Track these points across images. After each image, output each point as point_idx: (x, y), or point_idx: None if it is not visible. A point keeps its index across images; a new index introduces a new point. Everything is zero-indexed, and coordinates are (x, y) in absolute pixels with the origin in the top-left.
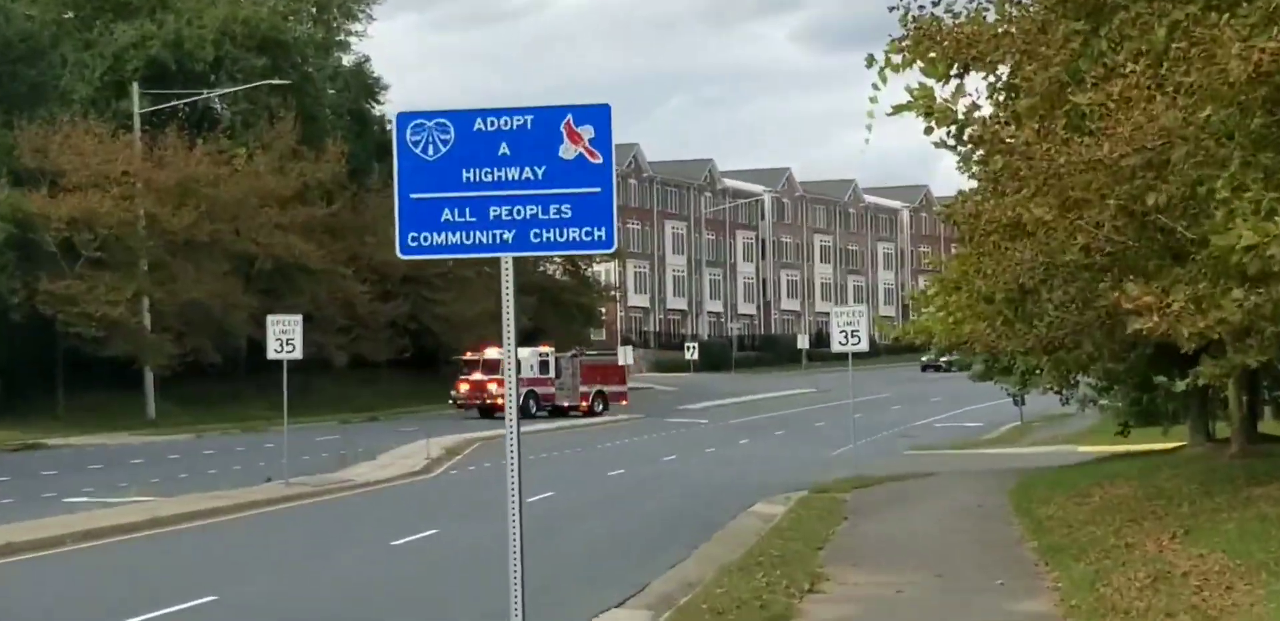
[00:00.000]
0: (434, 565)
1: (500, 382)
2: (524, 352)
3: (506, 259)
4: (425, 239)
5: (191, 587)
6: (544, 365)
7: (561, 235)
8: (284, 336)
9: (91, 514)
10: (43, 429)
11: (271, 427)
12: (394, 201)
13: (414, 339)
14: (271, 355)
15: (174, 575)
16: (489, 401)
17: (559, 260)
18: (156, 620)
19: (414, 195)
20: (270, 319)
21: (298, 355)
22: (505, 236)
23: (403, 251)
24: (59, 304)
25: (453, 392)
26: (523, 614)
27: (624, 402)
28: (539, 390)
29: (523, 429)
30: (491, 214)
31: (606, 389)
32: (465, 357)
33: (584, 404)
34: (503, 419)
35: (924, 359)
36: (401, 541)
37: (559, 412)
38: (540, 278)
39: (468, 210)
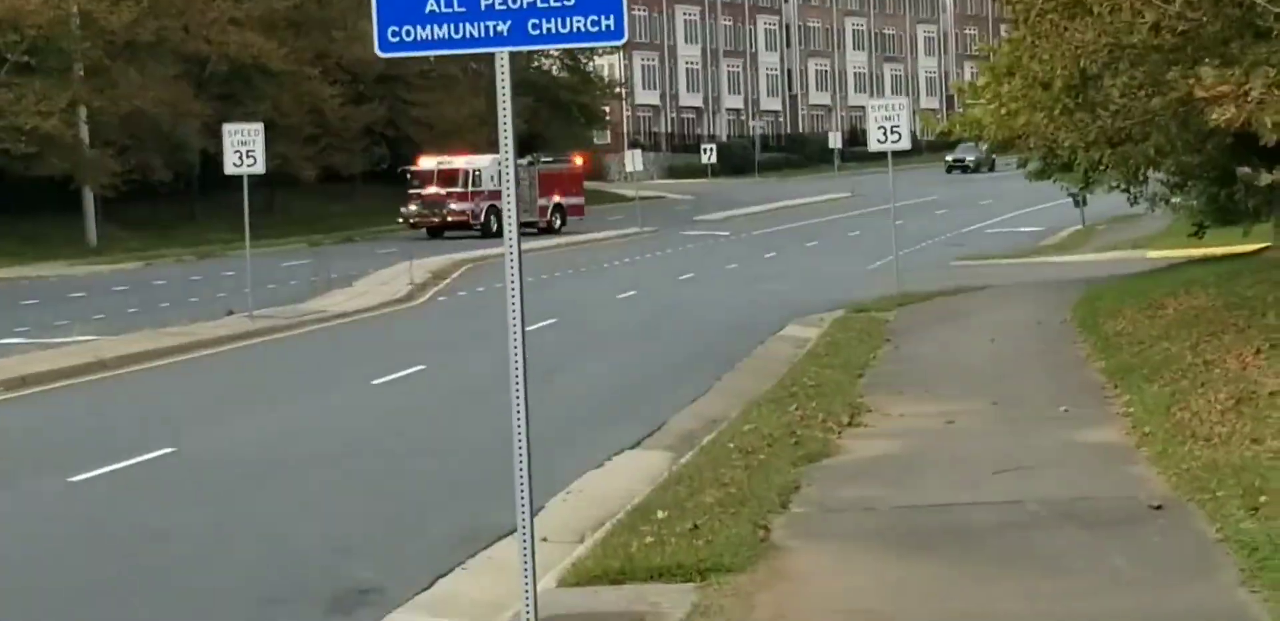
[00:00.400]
0: (421, 405)
1: (460, 196)
2: (482, 161)
3: (502, 54)
4: (408, 33)
5: (145, 438)
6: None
7: (564, 25)
8: (243, 148)
9: (27, 357)
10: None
11: (231, 253)
12: None
13: (392, 148)
14: (230, 170)
15: (124, 424)
16: (450, 219)
17: (556, 54)
18: (107, 476)
19: None
20: (226, 128)
21: (259, 169)
22: (499, 28)
23: (382, 48)
24: None
25: (402, 210)
26: (527, 459)
27: (580, 216)
28: (499, 204)
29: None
30: (483, 2)
31: (565, 201)
32: (414, 169)
33: (542, 219)
34: (453, 240)
35: (948, 158)
36: (384, 379)
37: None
38: (535, 75)
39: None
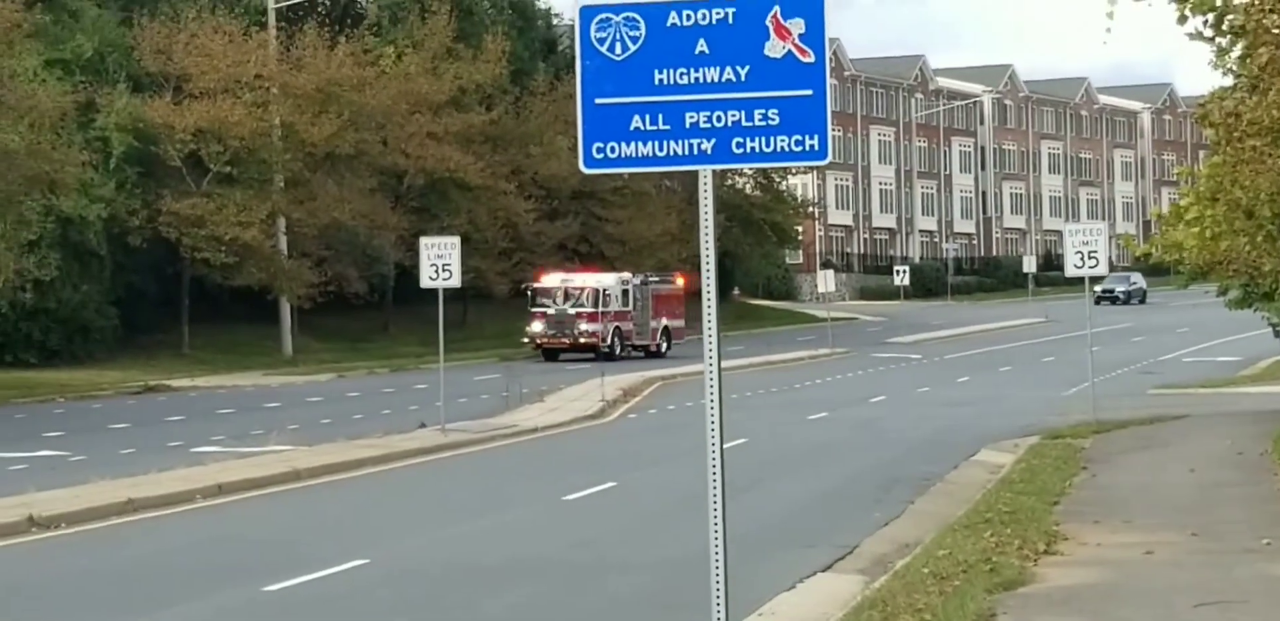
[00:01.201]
0: (613, 523)
1: (590, 317)
2: (608, 280)
3: (705, 172)
4: (612, 150)
5: (338, 549)
6: (625, 295)
7: (768, 145)
8: (439, 262)
9: (224, 465)
10: (166, 369)
11: (424, 366)
12: (575, 107)
13: (584, 263)
14: (425, 283)
15: (318, 535)
16: (582, 340)
17: (750, 172)
18: (302, 586)
19: (599, 100)
20: (423, 241)
21: (455, 283)
22: (704, 146)
23: (587, 164)
24: (185, 226)
25: (528, 329)
26: (724, 578)
27: (682, 340)
28: (623, 326)
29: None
30: (688, 121)
31: (670, 324)
32: (538, 286)
33: (653, 342)
34: (572, 362)
35: (1097, 289)
36: (575, 496)
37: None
38: (728, 192)
39: (661, 117)
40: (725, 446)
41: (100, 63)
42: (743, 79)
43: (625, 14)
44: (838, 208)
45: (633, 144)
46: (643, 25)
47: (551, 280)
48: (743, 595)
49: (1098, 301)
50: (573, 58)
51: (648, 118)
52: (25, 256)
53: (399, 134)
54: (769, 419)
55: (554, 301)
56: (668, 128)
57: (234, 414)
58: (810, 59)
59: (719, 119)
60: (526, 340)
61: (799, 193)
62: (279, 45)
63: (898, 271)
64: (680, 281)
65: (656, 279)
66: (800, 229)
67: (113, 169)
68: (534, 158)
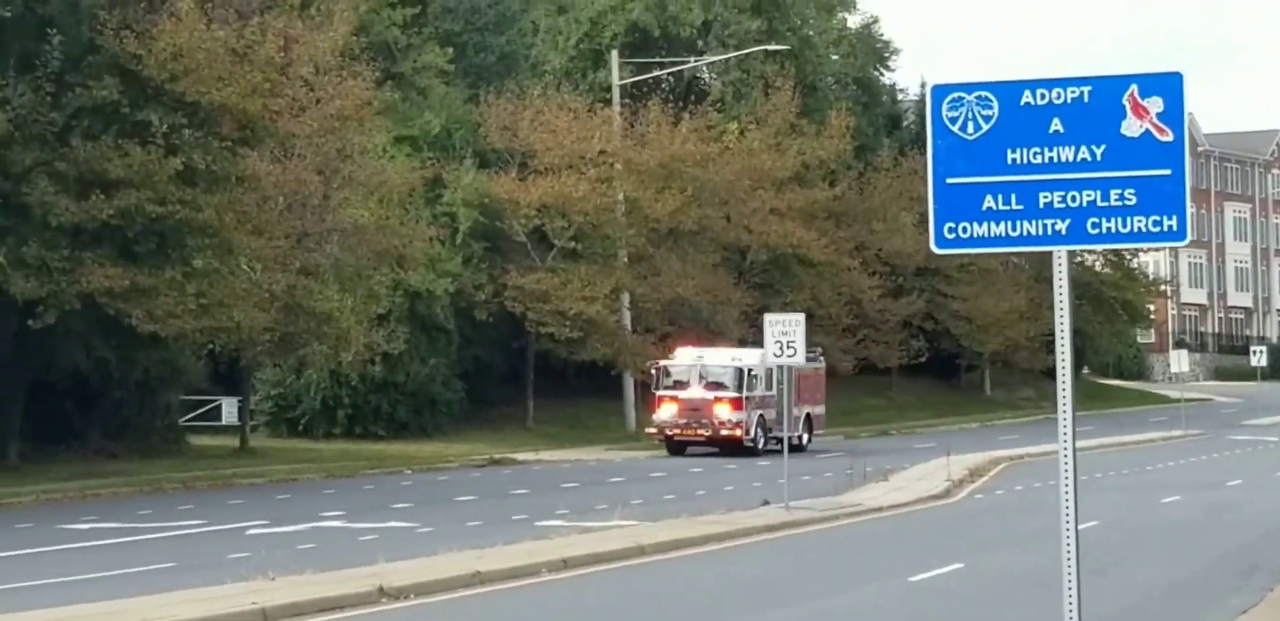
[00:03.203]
0: (961, 605)
1: (733, 403)
2: (750, 357)
3: (1059, 253)
4: (964, 230)
5: None
6: (769, 376)
7: (1124, 225)
8: (784, 338)
9: (568, 540)
10: (511, 442)
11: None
12: (921, 184)
13: (930, 340)
14: (769, 361)
15: (664, 612)
16: (723, 433)
17: (1100, 250)
18: None
19: (951, 180)
20: (768, 318)
21: (799, 360)
22: (1058, 227)
23: (938, 245)
24: (530, 300)
25: (655, 417)
26: None
27: (821, 431)
28: (766, 414)
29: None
30: (1041, 201)
31: (813, 411)
32: (665, 364)
33: (794, 433)
34: (699, 456)
35: None
36: (922, 576)
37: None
38: (1078, 270)
39: (1014, 197)
40: (1079, 527)
41: (447, 139)
42: (1098, 158)
43: (978, 93)
44: (1191, 286)
45: (985, 224)
46: (995, 104)
47: (684, 357)
48: None
49: None
50: (918, 133)
51: (1000, 197)
52: (374, 330)
53: (742, 209)
54: (1121, 501)
55: (687, 383)
56: (1021, 207)
57: (578, 488)
58: (1169, 138)
59: (1074, 199)
60: (652, 430)
61: (1151, 270)
62: (623, 121)
63: (1254, 351)
64: (824, 360)
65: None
66: (1152, 307)
67: (459, 244)
68: (878, 233)
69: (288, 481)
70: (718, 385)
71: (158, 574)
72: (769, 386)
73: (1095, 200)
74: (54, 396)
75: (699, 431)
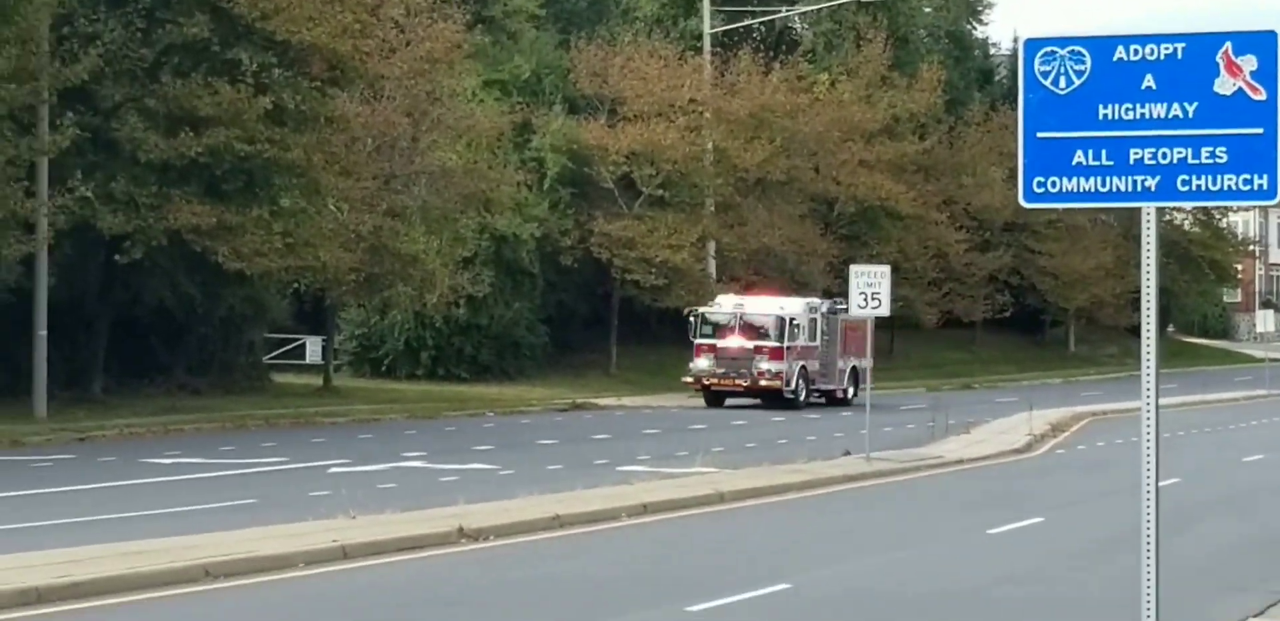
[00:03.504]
0: (1039, 558)
1: (774, 353)
2: (794, 306)
3: (1148, 209)
4: (1053, 185)
5: (760, 573)
6: (813, 326)
7: (1214, 183)
8: (869, 290)
9: (649, 485)
10: (594, 388)
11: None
12: (1011, 139)
13: (1015, 296)
14: (854, 312)
15: (741, 558)
16: (763, 383)
17: (1189, 208)
18: (724, 608)
19: (1041, 134)
20: (853, 270)
21: (884, 312)
22: (1147, 183)
23: (1027, 198)
24: (616, 247)
25: (691, 366)
26: (1155, 618)
27: (868, 384)
28: (809, 366)
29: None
30: (1132, 157)
31: (860, 364)
32: (705, 312)
33: (839, 387)
34: (740, 408)
35: None
36: (1000, 529)
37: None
38: (1166, 228)
39: (1104, 152)
40: (1160, 484)
41: (537, 84)
42: (1190, 116)
43: (1071, 48)
44: None
45: (1074, 179)
46: (1088, 59)
47: (724, 305)
48: None
49: None
50: (1010, 88)
51: (1090, 153)
52: (460, 273)
53: (831, 161)
54: (1203, 459)
55: (726, 331)
56: (1111, 163)
57: (659, 434)
58: (1262, 96)
59: (1164, 156)
60: (690, 379)
61: (1240, 230)
62: (713, 70)
63: None
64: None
65: (845, 306)
66: (1240, 267)
67: (547, 189)
68: (966, 188)
69: (370, 421)
70: (758, 334)
71: (239, 510)
72: (812, 336)
73: (1186, 157)
74: (139, 331)
75: (737, 382)
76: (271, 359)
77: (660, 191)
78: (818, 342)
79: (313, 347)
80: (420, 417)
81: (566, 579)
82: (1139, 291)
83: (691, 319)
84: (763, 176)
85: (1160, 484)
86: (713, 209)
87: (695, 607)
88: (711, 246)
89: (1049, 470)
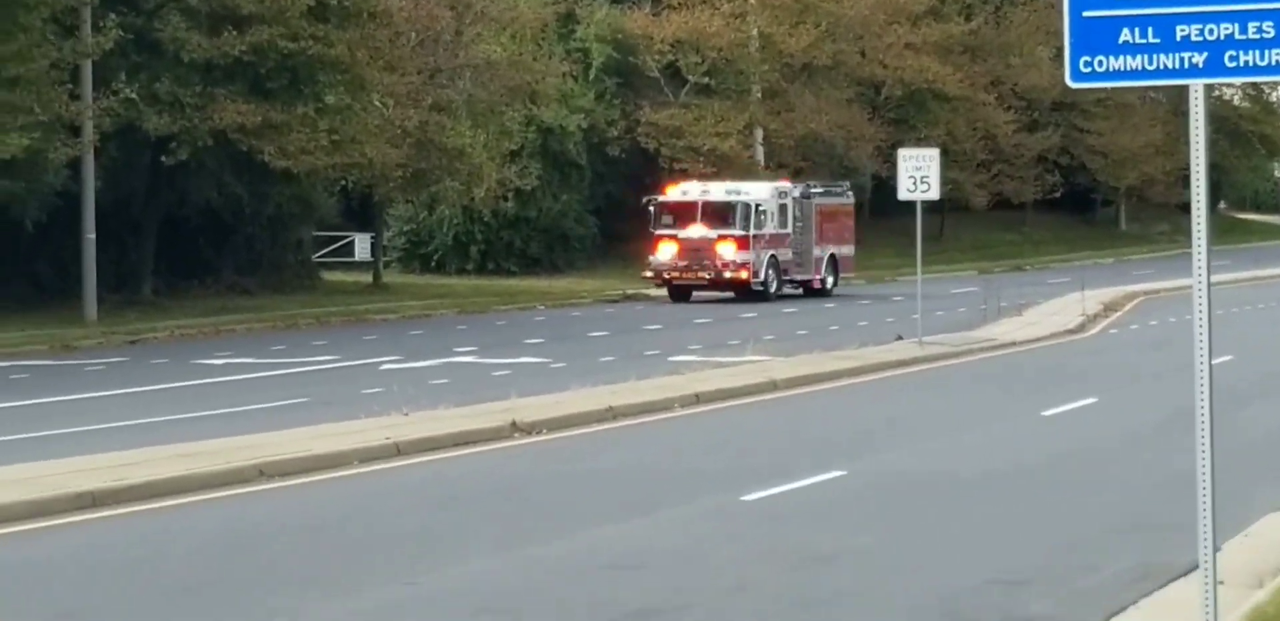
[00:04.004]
0: (1093, 439)
1: (739, 242)
2: (759, 190)
3: (1196, 86)
4: (1100, 64)
5: (815, 460)
6: (783, 212)
7: (1262, 58)
8: (917, 174)
9: (701, 375)
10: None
11: (900, 277)
12: (1058, 17)
13: (1065, 176)
14: (903, 195)
15: (795, 445)
16: (728, 275)
17: (1238, 84)
18: (779, 496)
19: (1087, 13)
20: (902, 153)
21: (933, 195)
22: (1195, 60)
23: (1074, 78)
24: (663, 136)
25: (651, 260)
26: (1211, 498)
27: (850, 273)
28: (780, 255)
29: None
30: (1179, 33)
31: (839, 251)
32: (663, 200)
33: (816, 276)
34: (703, 302)
35: None
36: (1054, 411)
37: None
38: (1216, 103)
39: (1150, 30)
40: (1213, 363)
41: None
42: None
43: None
44: None
45: (1121, 57)
46: None
47: (684, 192)
48: (1228, 515)
49: None
50: None
51: (1137, 30)
52: (507, 166)
53: (876, 44)
54: (1256, 335)
55: (687, 221)
56: (1158, 41)
57: (710, 324)
58: None
59: (1211, 32)
60: (649, 274)
61: None
62: None
63: None
64: (851, 194)
65: (821, 189)
66: None
67: (592, 79)
68: (1014, 68)
69: (420, 317)
70: (722, 222)
71: (292, 409)
72: (783, 223)
73: (1233, 33)
74: (187, 232)
75: (700, 274)
76: (320, 257)
77: (706, 79)
78: (789, 229)
79: (361, 245)
80: (471, 312)
81: (621, 470)
82: (1189, 168)
83: (651, 208)
84: (808, 62)
85: (1214, 361)
86: (759, 96)
87: (751, 496)
88: (759, 133)
89: (1103, 350)
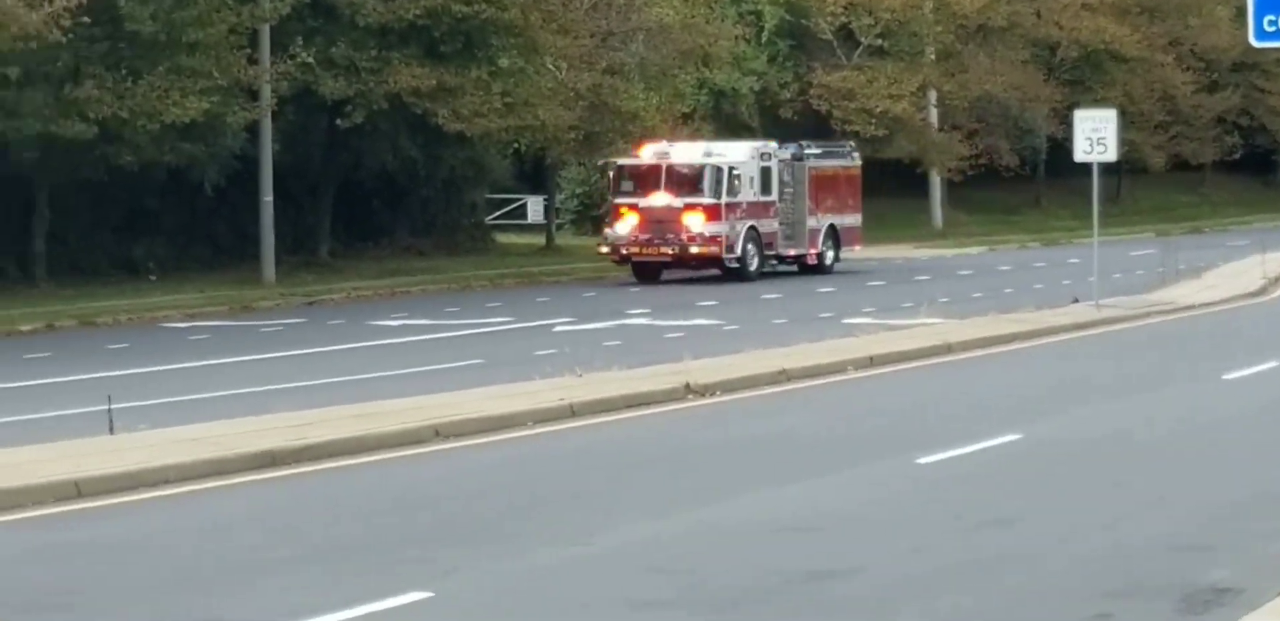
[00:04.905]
0: (1276, 403)
1: (709, 212)
2: (736, 152)
3: None
4: None
5: (990, 423)
6: (765, 176)
7: None
8: (1094, 135)
9: (874, 337)
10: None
11: (1076, 240)
12: None
13: (1244, 137)
14: (1079, 157)
15: (970, 408)
16: (695, 250)
17: None
18: (954, 459)
19: None
20: (1078, 114)
21: (1110, 157)
22: None
23: (1257, 38)
24: (835, 98)
25: (607, 232)
26: None
27: (856, 247)
28: (762, 226)
29: None
30: None
31: (840, 222)
32: (624, 164)
33: (812, 250)
34: (674, 281)
35: None
36: (1236, 374)
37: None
38: None
39: None
40: None
41: None
42: None
43: None
44: None
45: None
46: None
47: (647, 155)
48: None
49: None
50: None
51: None
52: (679, 128)
53: (1052, 5)
54: None
55: (650, 187)
56: None
57: (884, 286)
58: None
59: None
60: (606, 249)
61: None
62: None
63: None
64: (857, 156)
65: (818, 150)
66: None
67: (765, 42)
68: (1193, 28)
69: (593, 279)
70: (689, 188)
71: (466, 370)
72: (765, 189)
73: None
74: (362, 195)
75: (663, 249)
76: (494, 219)
77: (879, 41)
78: (774, 197)
79: (534, 207)
80: None
81: (794, 433)
82: None
83: (610, 173)
84: (983, 22)
85: None
86: (933, 57)
87: (925, 459)
88: (932, 95)
89: None
